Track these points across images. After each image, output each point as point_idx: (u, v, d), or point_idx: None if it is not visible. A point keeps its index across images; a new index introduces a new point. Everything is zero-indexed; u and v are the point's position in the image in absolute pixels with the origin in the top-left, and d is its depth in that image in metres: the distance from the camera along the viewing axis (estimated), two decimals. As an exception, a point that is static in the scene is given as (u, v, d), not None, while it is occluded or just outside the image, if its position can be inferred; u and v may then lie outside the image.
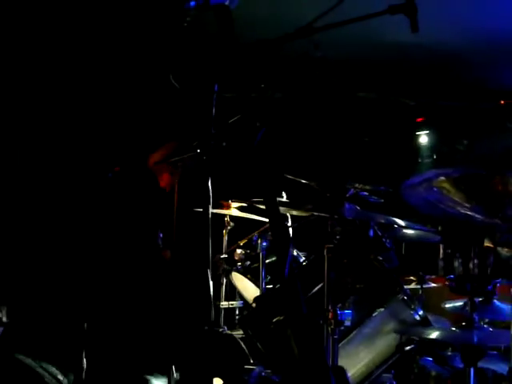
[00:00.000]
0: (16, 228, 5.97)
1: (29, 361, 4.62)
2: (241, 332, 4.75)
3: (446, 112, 6.52)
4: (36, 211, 6.12)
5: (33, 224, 6.07)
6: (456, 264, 4.59)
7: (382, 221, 4.00)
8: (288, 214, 5.03)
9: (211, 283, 2.70)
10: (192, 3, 2.32)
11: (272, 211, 1.91)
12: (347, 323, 3.64)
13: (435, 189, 3.06)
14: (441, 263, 5.40)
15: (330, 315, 3.64)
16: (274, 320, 3.76)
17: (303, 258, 4.84)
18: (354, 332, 3.90)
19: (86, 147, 6.12)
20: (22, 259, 5.92)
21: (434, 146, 6.70)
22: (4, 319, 4.64)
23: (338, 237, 3.88)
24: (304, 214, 4.79)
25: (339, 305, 3.71)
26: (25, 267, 5.78)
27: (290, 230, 5.04)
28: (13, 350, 4.62)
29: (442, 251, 5.30)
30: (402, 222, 4.05)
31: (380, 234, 4.32)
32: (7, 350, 4.59)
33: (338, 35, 3.45)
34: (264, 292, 4.66)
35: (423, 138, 6.80)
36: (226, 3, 2.38)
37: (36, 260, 5.92)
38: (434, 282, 5.16)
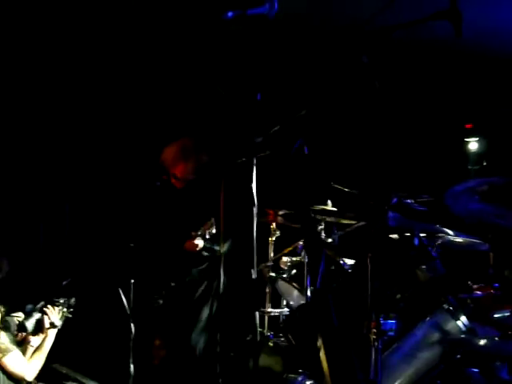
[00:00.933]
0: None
1: (66, 369, 4.69)
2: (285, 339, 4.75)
3: (498, 118, 6.43)
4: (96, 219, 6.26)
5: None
6: (507, 272, 4.53)
7: (427, 229, 3.96)
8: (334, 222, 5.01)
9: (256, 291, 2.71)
10: (230, 13, 2.34)
11: (305, 223, 1.91)
12: (391, 333, 3.60)
13: (477, 197, 3.02)
14: (491, 272, 5.32)
15: (373, 325, 3.61)
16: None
17: (348, 266, 4.82)
18: (397, 342, 3.86)
19: (140, 159, 6.23)
20: (69, 266, 6.03)
21: (483, 153, 6.60)
22: (58, 322, 4.71)
23: (382, 245, 3.84)
24: (349, 222, 4.78)
25: (383, 314, 3.68)
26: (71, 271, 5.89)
27: (336, 237, 5.02)
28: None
29: (492, 259, 5.22)
30: (448, 231, 4.00)
31: (425, 242, 4.26)
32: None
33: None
34: (308, 300, 4.64)
35: (473, 145, 6.70)
36: (264, 13, 2.40)
37: (82, 266, 6.03)
38: (482, 291, 5.08)
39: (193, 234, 5.26)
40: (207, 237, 5.26)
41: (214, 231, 5.21)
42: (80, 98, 6.37)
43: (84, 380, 5.13)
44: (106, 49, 5.90)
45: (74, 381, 5.10)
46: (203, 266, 5.45)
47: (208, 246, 5.34)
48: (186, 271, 5.47)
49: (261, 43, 2.58)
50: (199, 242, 5.31)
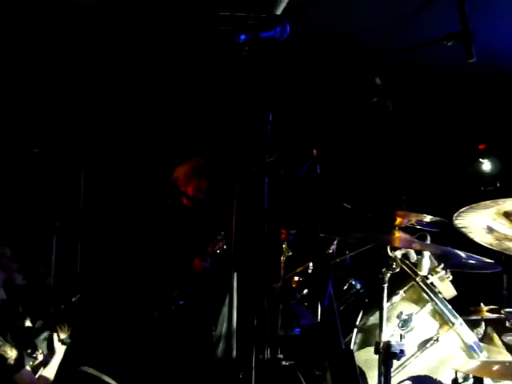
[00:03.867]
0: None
1: (91, 370, 4.68)
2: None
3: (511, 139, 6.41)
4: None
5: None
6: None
7: (437, 251, 3.95)
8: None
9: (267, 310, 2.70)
10: (242, 37, 2.35)
11: (314, 243, 1.91)
12: (401, 355, 3.58)
13: (489, 219, 3.01)
14: (505, 293, 5.29)
15: (385, 346, 3.60)
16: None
17: (359, 286, 4.81)
18: (408, 364, 3.85)
19: (152, 177, 6.26)
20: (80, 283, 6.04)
21: (497, 174, 6.57)
22: (67, 339, 4.72)
23: (393, 266, 3.83)
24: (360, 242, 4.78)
25: (392, 336, 3.67)
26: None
27: (348, 257, 5.01)
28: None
29: (505, 281, 5.19)
30: (459, 252, 3.98)
31: (437, 264, 4.25)
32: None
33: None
34: (314, 322, 4.62)
35: (486, 166, 6.67)
36: (276, 36, 2.41)
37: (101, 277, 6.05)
38: (495, 313, 5.05)
39: (206, 250, 5.29)
40: (218, 252, 5.28)
41: (224, 247, 5.23)
42: (94, 122, 6.42)
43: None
44: (119, 67, 5.94)
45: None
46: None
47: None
48: (194, 289, 5.48)
49: (272, 64, 2.59)
50: (206, 263, 5.33)
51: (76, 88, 6.20)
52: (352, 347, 3.67)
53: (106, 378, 4.73)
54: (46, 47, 5.79)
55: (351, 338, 3.81)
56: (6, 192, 6.44)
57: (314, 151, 4.13)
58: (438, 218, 4.05)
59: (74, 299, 5.41)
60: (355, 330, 3.97)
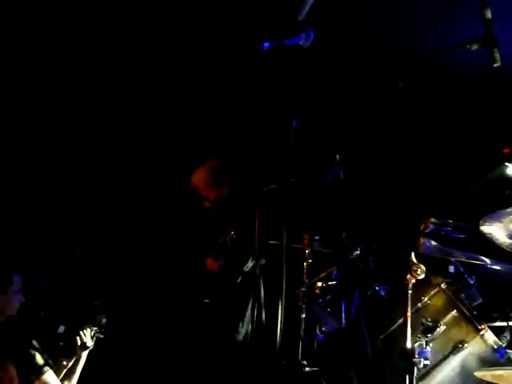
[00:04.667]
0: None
1: None
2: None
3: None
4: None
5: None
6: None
7: (463, 258, 3.92)
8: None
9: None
10: (266, 44, 2.34)
11: (339, 249, 1.90)
12: (426, 362, 3.56)
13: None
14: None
15: (409, 353, 3.57)
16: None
17: (384, 292, 4.79)
18: (433, 371, 3.82)
19: (171, 182, 6.28)
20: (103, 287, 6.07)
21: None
22: (89, 343, 4.73)
23: (418, 272, 3.81)
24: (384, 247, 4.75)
25: (417, 343, 3.65)
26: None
27: (371, 263, 4.99)
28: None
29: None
30: (485, 259, 3.95)
31: (462, 270, 4.22)
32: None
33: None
34: (341, 327, 4.61)
35: (511, 170, 6.60)
36: (300, 43, 2.40)
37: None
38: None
39: (214, 254, 5.31)
40: (228, 243, 5.29)
41: (234, 237, 5.25)
42: (113, 130, 6.46)
43: None
44: (138, 71, 5.97)
45: None
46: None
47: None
48: (217, 289, 5.48)
49: (296, 69, 2.58)
50: (219, 261, 5.33)
51: (95, 94, 6.23)
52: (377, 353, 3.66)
53: None
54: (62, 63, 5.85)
55: (376, 344, 3.79)
56: (31, 199, 6.48)
57: (337, 156, 4.12)
58: (463, 224, 4.03)
59: (96, 303, 5.43)
60: (380, 337, 3.96)
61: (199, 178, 5.55)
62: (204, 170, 5.58)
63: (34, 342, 4.46)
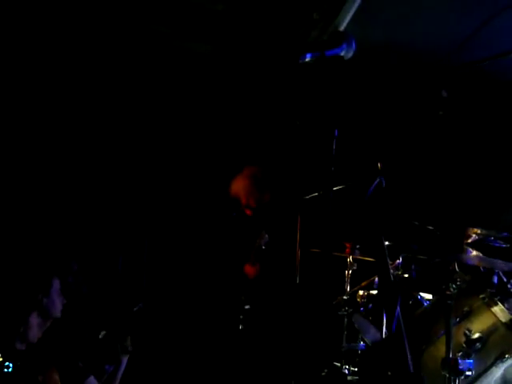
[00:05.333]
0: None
1: None
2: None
3: None
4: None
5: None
6: None
7: (506, 268, 3.88)
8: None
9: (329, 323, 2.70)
10: (308, 55, 2.35)
11: (381, 266, 1.90)
12: (468, 373, 3.53)
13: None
14: None
15: (452, 364, 3.55)
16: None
17: (427, 302, 4.76)
18: (475, 382, 3.77)
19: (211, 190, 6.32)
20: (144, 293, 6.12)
21: None
22: (129, 348, 4.76)
23: (459, 283, 3.78)
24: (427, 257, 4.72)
25: (460, 353, 3.62)
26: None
27: (414, 272, 4.96)
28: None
29: None
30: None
31: (505, 280, 4.17)
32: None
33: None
34: (384, 337, 4.59)
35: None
36: (341, 54, 2.40)
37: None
38: None
39: (251, 258, 5.32)
40: (263, 247, 5.30)
41: (267, 240, 5.26)
42: (162, 135, 6.51)
43: None
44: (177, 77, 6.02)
45: None
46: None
47: None
48: (256, 295, 5.49)
49: (337, 80, 2.58)
50: (256, 267, 5.34)
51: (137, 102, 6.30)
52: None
53: None
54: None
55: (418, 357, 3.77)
56: (73, 204, 6.56)
57: (379, 165, 4.11)
58: (506, 234, 3.99)
59: (135, 309, 5.48)
60: (423, 347, 3.94)
61: (239, 186, 5.56)
62: (243, 177, 5.59)
63: (76, 348, 4.52)
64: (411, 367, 1.70)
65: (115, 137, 6.47)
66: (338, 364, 5.10)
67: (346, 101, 2.61)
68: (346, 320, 5.19)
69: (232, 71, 5.68)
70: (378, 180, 2.42)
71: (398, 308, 1.77)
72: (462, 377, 3.53)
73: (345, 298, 5.15)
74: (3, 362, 3.09)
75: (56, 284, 4.21)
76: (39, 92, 6.18)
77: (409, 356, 1.72)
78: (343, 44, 2.38)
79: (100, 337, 4.78)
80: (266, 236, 5.34)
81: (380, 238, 2.09)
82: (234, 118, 6.31)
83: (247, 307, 5.46)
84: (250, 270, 5.38)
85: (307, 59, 2.35)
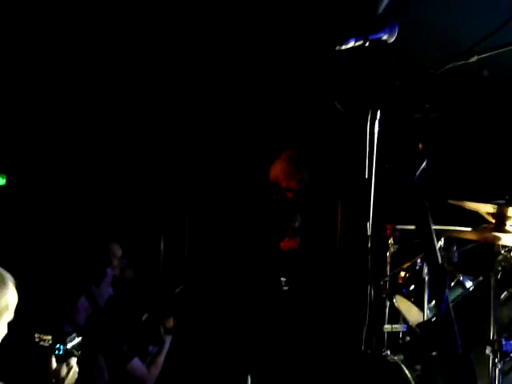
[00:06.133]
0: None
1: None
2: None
3: None
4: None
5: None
6: None
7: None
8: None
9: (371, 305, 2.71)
10: (351, 40, 2.34)
11: (429, 249, 1.91)
12: (513, 355, 3.52)
13: None
14: None
15: (496, 346, 3.54)
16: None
17: (470, 283, 4.73)
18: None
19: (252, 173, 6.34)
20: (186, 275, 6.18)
21: None
22: (172, 329, 4.83)
23: (503, 264, 3.76)
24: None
25: (505, 335, 3.60)
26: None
27: (456, 254, 4.94)
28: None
29: None
30: None
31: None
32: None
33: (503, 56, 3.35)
34: (428, 318, 4.58)
35: None
36: (384, 38, 2.39)
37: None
38: None
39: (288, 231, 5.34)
40: (297, 228, 5.33)
41: (300, 223, 5.30)
42: (198, 125, 6.56)
43: None
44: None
45: None
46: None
47: None
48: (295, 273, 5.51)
49: (378, 63, 2.58)
50: (295, 239, 5.36)
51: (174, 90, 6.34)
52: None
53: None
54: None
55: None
56: (114, 189, 6.64)
57: (420, 145, 4.09)
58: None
59: (177, 290, 5.54)
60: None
61: (277, 169, 5.58)
62: (281, 161, 5.60)
63: (121, 331, 4.59)
64: (460, 348, 1.71)
65: (158, 124, 6.52)
66: (380, 345, 5.11)
67: (388, 82, 2.59)
68: (387, 301, 5.19)
69: (269, 53, 5.68)
70: (425, 161, 2.42)
71: (447, 290, 1.78)
72: (507, 358, 3.52)
73: (386, 279, 5.14)
74: (54, 344, 3.16)
75: (109, 275, 4.28)
76: (48, 90, 6.26)
77: (458, 338, 1.73)
78: (386, 28, 2.37)
79: (143, 319, 4.85)
80: (299, 218, 5.36)
81: (427, 221, 2.10)
82: (272, 103, 6.31)
83: (286, 288, 5.49)
84: (289, 243, 5.39)
85: (350, 44, 2.35)
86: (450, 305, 1.75)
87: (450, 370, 1.70)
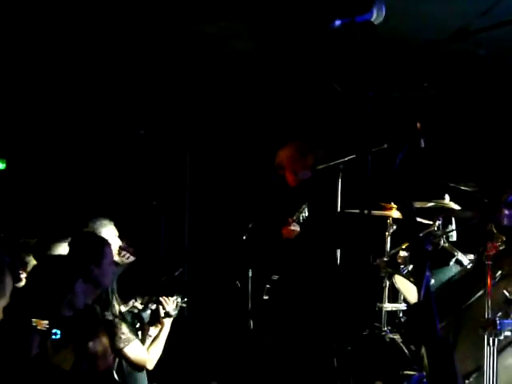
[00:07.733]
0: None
1: None
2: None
3: None
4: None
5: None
6: None
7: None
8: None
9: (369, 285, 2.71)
10: (337, 22, 2.34)
11: (411, 230, 1.92)
12: (507, 333, 3.53)
13: None
14: None
15: (490, 324, 3.55)
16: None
17: (467, 261, 4.74)
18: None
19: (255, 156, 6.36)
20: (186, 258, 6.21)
21: None
22: (172, 312, 4.84)
23: (498, 243, 3.77)
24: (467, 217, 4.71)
25: (499, 313, 3.62)
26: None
27: (454, 233, 4.94)
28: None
29: None
30: None
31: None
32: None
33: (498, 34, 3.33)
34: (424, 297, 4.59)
35: None
36: (372, 19, 2.39)
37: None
38: None
39: (289, 220, 5.35)
40: (301, 221, 5.35)
41: (306, 214, 5.31)
42: (197, 106, 6.57)
43: None
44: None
45: None
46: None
47: None
48: (288, 262, 5.52)
49: (370, 45, 2.57)
50: (295, 228, 5.37)
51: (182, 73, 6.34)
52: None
53: None
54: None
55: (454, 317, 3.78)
56: (115, 173, 6.66)
57: (418, 125, 4.09)
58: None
59: (176, 273, 5.56)
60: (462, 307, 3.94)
61: (283, 153, 5.62)
62: (288, 146, 5.66)
63: (120, 313, 4.61)
64: (439, 333, 1.72)
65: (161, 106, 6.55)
66: (379, 325, 5.13)
67: (381, 64, 2.59)
68: (386, 281, 5.21)
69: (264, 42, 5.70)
70: (408, 144, 2.42)
71: (428, 273, 1.79)
72: (501, 337, 3.53)
73: (385, 259, 5.15)
74: (50, 328, 3.17)
75: (109, 254, 4.26)
76: (57, 88, 6.29)
77: (437, 322, 1.74)
78: (373, 9, 2.37)
79: (142, 301, 4.87)
80: (306, 209, 5.39)
81: (410, 205, 2.10)
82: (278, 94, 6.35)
83: (275, 278, 5.51)
84: (289, 231, 5.41)
85: (337, 25, 2.35)
86: (432, 290, 1.76)
87: (428, 353, 1.71)
